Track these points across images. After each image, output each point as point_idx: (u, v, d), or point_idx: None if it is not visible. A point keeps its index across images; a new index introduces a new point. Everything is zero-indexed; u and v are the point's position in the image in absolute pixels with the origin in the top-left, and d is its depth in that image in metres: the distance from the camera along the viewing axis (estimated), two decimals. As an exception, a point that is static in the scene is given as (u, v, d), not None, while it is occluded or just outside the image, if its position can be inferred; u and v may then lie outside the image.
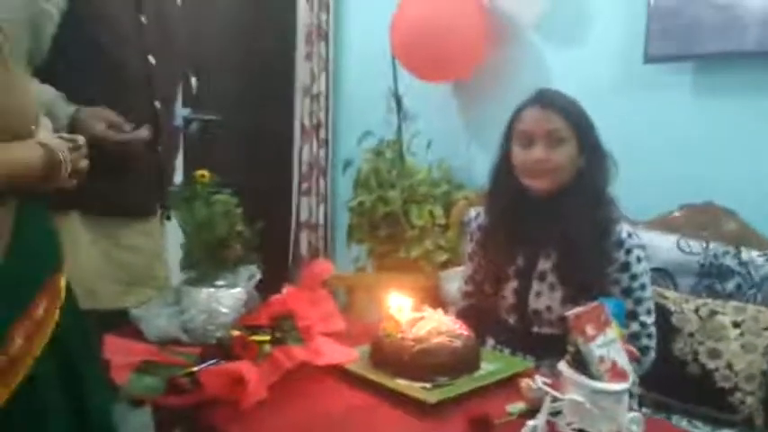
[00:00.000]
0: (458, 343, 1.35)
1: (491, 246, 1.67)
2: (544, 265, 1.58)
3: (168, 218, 1.82)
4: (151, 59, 1.69)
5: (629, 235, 1.55)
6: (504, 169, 1.62)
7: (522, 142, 1.57)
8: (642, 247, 1.56)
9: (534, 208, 1.58)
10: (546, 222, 1.56)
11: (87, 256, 1.65)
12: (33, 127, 1.02)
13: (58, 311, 1.01)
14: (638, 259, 1.54)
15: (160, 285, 1.77)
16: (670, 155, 2.24)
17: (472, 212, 1.86)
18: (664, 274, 2.03)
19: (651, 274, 1.96)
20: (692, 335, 1.86)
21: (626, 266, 1.53)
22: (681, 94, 2.21)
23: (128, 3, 1.67)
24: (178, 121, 1.91)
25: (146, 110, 1.70)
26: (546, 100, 1.57)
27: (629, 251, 1.53)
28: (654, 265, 2.00)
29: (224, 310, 1.43)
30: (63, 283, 1.05)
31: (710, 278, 1.96)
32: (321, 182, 3.34)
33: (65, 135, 1.11)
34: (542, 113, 1.55)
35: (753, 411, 1.76)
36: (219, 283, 1.47)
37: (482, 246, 1.70)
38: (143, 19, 1.68)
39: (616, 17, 2.35)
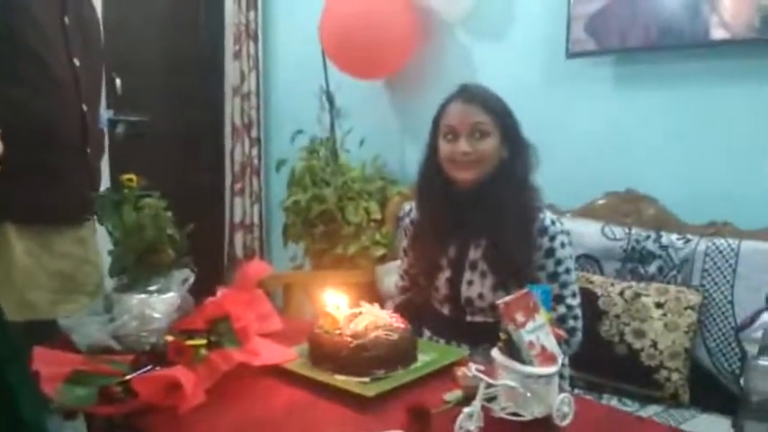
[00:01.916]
0: (394, 336, 1.37)
1: (423, 238, 1.70)
2: (474, 254, 1.63)
3: (101, 222, 1.78)
4: (76, 62, 1.68)
5: (553, 222, 1.61)
6: (431, 163, 1.66)
7: (447, 136, 1.61)
8: (566, 233, 1.63)
9: (462, 199, 1.63)
10: (474, 212, 1.61)
11: (21, 266, 1.61)
12: None
13: None
14: (562, 245, 1.60)
15: (94, 292, 1.73)
16: (593, 145, 2.33)
17: (406, 207, 1.90)
18: (590, 260, 2.11)
19: (578, 260, 2.06)
20: (617, 316, 1.94)
21: (551, 252, 1.59)
22: (602, 87, 2.30)
23: (52, 4, 1.64)
24: (102, 123, 1.88)
25: (73, 112, 1.69)
26: (469, 95, 1.62)
27: (552, 237, 1.59)
28: (580, 251, 2.08)
29: (157, 315, 1.40)
30: None
31: (633, 262, 2.05)
32: (254, 181, 3.31)
33: None
34: (466, 108, 1.60)
35: (678, 387, 1.85)
36: (151, 288, 1.45)
37: (415, 239, 1.73)
38: (66, 20, 1.66)
39: (539, 14, 2.42)
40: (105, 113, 2.66)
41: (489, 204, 1.59)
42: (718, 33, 1.98)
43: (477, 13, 2.53)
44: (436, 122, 1.65)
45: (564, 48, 2.27)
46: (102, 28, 1.94)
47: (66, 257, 1.70)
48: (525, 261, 1.57)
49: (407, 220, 1.80)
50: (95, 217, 1.77)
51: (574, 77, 2.34)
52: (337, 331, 1.37)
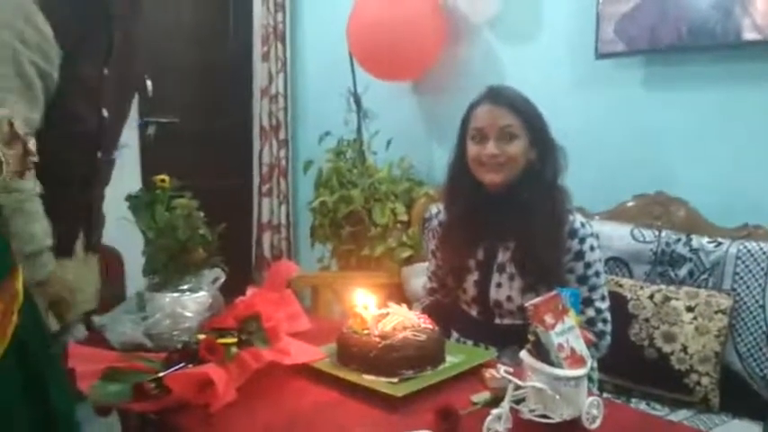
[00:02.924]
0: (422, 337, 1.37)
1: (451, 240, 1.70)
2: (503, 256, 1.63)
3: (95, 252, 1.78)
4: (104, 113, 1.65)
5: (582, 224, 1.60)
6: (460, 165, 1.66)
7: (475, 138, 1.61)
8: (595, 236, 1.62)
9: (490, 201, 1.62)
10: (502, 215, 1.61)
11: None
12: None
13: (16, 314, 1.01)
14: (592, 248, 1.59)
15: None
16: (623, 147, 2.31)
17: (433, 209, 1.90)
18: (619, 263, 2.09)
19: (607, 263, 2.04)
20: (647, 320, 1.92)
21: (580, 255, 1.58)
22: (632, 88, 2.28)
23: (97, 60, 1.62)
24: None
25: (86, 161, 1.66)
26: (497, 97, 1.62)
27: (582, 240, 1.58)
28: (609, 254, 2.07)
29: (188, 314, 1.43)
30: (19, 285, 1.04)
31: (663, 265, 2.02)
32: (282, 182, 3.34)
33: None
34: (494, 110, 1.59)
35: (708, 392, 1.83)
36: (183, 287, 1.47)
37: (443, 241, 1.74)
38: (105, 72, 1.64)
39: (567, 15, 2.41)
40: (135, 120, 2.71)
41: (518, 207, 1.59)
42: (750, 35, 1.95)
43: (504, 14, 2.52)
44: (464, 124, 1.65)
45: (593, 48, 2.26)
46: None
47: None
48: (554, 264, 1.57)
49: (435, 222, 1.80)
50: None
51: (603, 78, 2.33)
52: (366, 331, 1.38)
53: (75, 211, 1.56)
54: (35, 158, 1.41)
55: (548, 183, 1.61)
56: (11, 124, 1.05)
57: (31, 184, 1.43)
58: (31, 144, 1.08)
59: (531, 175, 1.60)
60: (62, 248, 1.56)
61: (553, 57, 2.45)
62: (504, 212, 1.61)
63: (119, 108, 1.74)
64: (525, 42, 2.54)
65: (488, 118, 1.59)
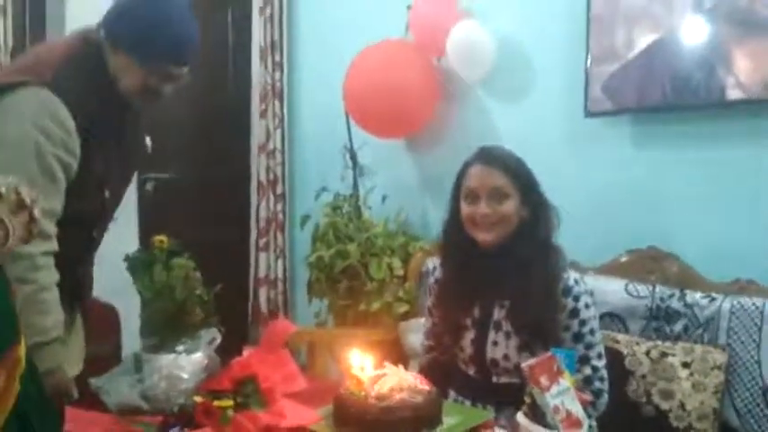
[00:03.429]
0: (419, 398, 1.37)
1: (447, 298, 1.71)
2: (499, 314, 1.64)
3: (85, 319, 1.77)
4: (107, 193, 1.66)
5: (576, 282, 1.62)
6: (454, 223, 1.69)
7: (468, 198, 1.64)
8: (589, 293, 1.63)
9: (485, 259, 1.64)
10: (497, 273, 1.62)
11: None
12: None
13: (17, 381, 1.01)
14: (587, 305, 1.60)
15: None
16: (615, 203, 2.34)
17: (429, 264, 1.92)
18: (615, 319, 2.10)
19: (603, 319, 2.05)
20: (644, 377, 1.92)
21: (575, 312, 1.59)
22: (621, 146, 2.33)
23: (109, 145, 1.62)
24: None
25: (83, 240, 1.66)
26: (488, 157, 1.65)
27: (576, 297, 1.59)
28: (605, 309, 2.08)
29: (185, 375, 1.43)
30: (22, 351, 1.05)
31: (659, 321, 2.03)
32: (279, 237, 3.36)
33: (6, 190, 1.07)
34: (486, 171, 1.63)
35: (706, 449, 1.82)
36: (180, 348, 1.48)
37: (439, 299, 1.75)
38: (112, 155, 1.64)
39: (557, 74, 2.48)
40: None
41: (512, 265, 1.61)
42: (733, 93, 2.01)
43: (496, 73, 2.59)
44: (457, 184, 1.68)
45: (582, 107, 2.32)
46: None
47: None
48: (549, 322, 1.58)
49: (432, 279, 1.82)
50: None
51: (593, 136, 2.38)
52: (362, 393, 1.38)
53: (64, 285, 1.55)
54: (53, 245, 1.44)
55: (541, 240, 1.63)
56: (17, 192, 1.07)
57: (46, 274, 1.44)
58: (37, 212, 1.10)
59: (524, 234, 1.62)
60: None
61: (544, 115, 2.51)
62: (499, 270, 1.63)
63: (120, 187, 1.76)
64: (517, 101, 2.60)
65: (480, 178, 1.63)
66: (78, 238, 1.63)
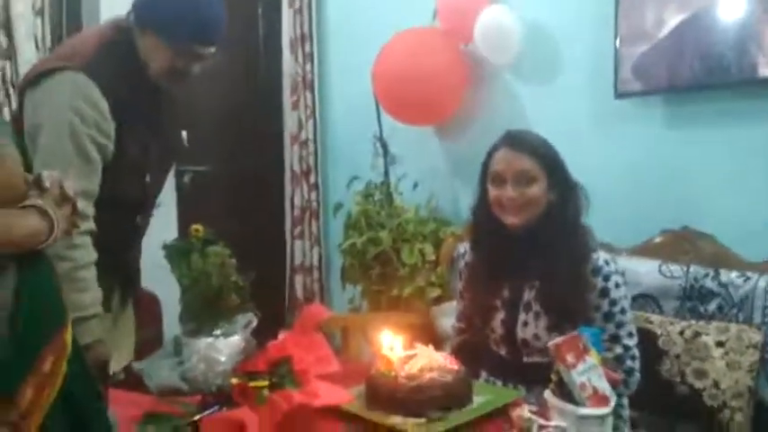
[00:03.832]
0: (449, 378, 1.40)
1: (478, 280, 1.74)
2: (529, 295, 1.65)
3: (135, 302, 1.85)
4: (147, 179, 1.73)
5: (606, 262, 1.62)
6: (482, 207, 1.71)
7: (495, 182, 1.66)
8: (620, 273, 1.64)
9: (513, 242, 1.66)
10: (526, 254, 1.64)
11: None
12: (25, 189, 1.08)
13: (65, 364, 1.07)
14: (617, 285, 1.61)
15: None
16: (647, 184, 2.33)
17: (460, 248, 1.93)
18: (648, 299, 2.09)
19: (636, 300, 2.05)
20: (678, 356, 1.91)
21: (605, 292, 1.60)
22: (652, 126, 2.31)
23: (145, 128, 1.68)
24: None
25: (127, 226, 1.73)
26: (515, 141, 1.66)
27: (606, 277, 1.60)
28: (638, 290, 2.07)
29: (222, 358, 1.48)
30: (69, 336, 1.11)
31: (693, 300, 2.02)
32: (314, 225, 3.41)
33: (50, 184, 1.12)
34: (512, 154, 1.64)
35: (742, 428, 1.80)
36: (217, 332, 1.53)
37: (469, 281, 1.77)
38: (151, 147, 1.71)
39: (586, 56, 2.46)
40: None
41: (540, 247, 1.62)
42: (765, 71, 1.98)
43: (524, 57, 2.58)
44: (484, 168, 1.70)
45: (612, 88, 2.30)
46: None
47: None
48: (578, 302, 1.59)
49: (462, 263, 1.84)
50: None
51: (623, 117, 2.36)
52: (393, 373, 1.41)
53: (112, 270, 1.63)
54: (90, 225, 1.50)
55: (569, 222, 1.64)
56: (61, 186, 1.13)
57: (83, 253, 1.51)
58: (80, 204, 1.15)
59: (552, 216, 1.63)
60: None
61: (573, 97, 2.50)
62: (528, 252, 1.64)
63: (161, 173, 1.82)
64: (546, 84, 2.59)
65: (506, 162, 1.64)
66: (123, 223, 1.71)
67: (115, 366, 1.66)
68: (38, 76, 1.57)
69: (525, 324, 1.65)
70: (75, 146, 1.51)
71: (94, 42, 1.63)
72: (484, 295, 1.72)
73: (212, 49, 1.68)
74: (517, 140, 1.66)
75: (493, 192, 1.66)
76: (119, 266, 1.72)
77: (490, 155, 1.69)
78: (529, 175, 1.62)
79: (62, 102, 1.52)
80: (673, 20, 2.15)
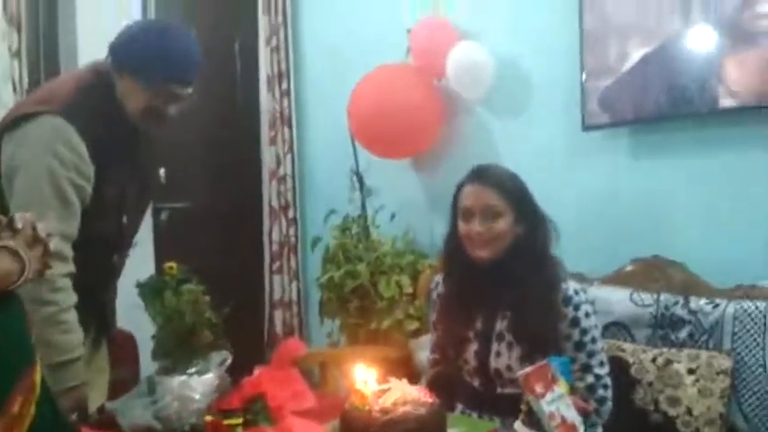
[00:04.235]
0: (422, 411, 1.40)
1: (450, 312, 1.76)
2: (501, 325, 1.68)
3: (109, 341, 1.86)
4: (124, 220, 1.76)
5: (576, 292, 1.65)
6: (453, 240, 1.74)
7: (464, 217, 1.69)
8: (590, 302, 1.67)
9: (484, 274, 1.69)
10: (497, 286, 1.67)
11: None
12: None
13: (33, 405, 1.07)
14: (587, 314, 1.64)
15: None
16: (618, 214, 2.37)
17: (435, 279, 1.96)
18: (620, 328, 2.11)
19: (609, 328, 2.08)
20: (651, 384, 1.93)
21: (575, 322, 1.63)
22: (619, 157, 2.36)
23: (123, 170, 1.70)
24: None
25: (102, 266, 1.75)
26: (481, 177, 1.70)
27: (577, 307, 1.63)
28: (610, 319, 2.10)
29: (196, 396, 1.48)
30: (38, 376, 1.10)
31: (664, 328, 2.05)
32: (292, 260, 3.42)
33: (23, 225, 1.12)
34: (479, 190, 1.68)
35: (716, 455, 1.82)
36: (191, 370, 1.53)
37: (442, 313, 1.79)
38: (128, 190, 1.74)
39: (555, 90, 2.52)
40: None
41: (510, 279, 1.65)
42: (725, 102, 2.05)
43: (495, 92, 2.64)
44: (454, 203, 1.73)
45: (580, 121, 2.36)
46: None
47: None
48: (550, 332, 1.62)
49: (435, 294, 1.86)
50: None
51: (592, 149, 2.42)
52: (366, 407, 1.41)
53: (88, 310, 1.63)
54: (70, 267, 1.50)
55: (537, 254, 1.67)
56: (33, 227, 1.13)
57: (65, 296, 1.53)
58: (52, 245, 1.16)
59: (520, 249, 1.67)
60: None
61: (544, 130, 2.55)
62: (498, 284, 1.67)
63: (138, 213, 1.85)
64: (516, 117, 2.65)
65: (474, 197, 1.67)
66: (100, 263, 1.72)
67: (89, 407, 1.65)
68: (16, 120, 1.59)
69: (498, 354, 1.67)
70: (55, 189, 1.53)
71: (72, 86, 1.65)
72: (456, 326, 1.74)
73: (189, 90, 1.71)
74: (484, 175, 1.70)
75: (462, 226, 1.69)
76: (94, 306, 1.73)
77: (459, 189, 1.72)
78: (495, 210, 1.65)
79: (41, 146, 1.54)
80: (636, 53, 2.23)
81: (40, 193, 1.51)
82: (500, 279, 1.66)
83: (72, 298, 1.55)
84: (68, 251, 1.54)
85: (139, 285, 1.63)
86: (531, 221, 1.68)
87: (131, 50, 1.64)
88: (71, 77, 1.74)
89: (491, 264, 1.67)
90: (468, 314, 1.72)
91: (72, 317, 1.54)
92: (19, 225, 1.11)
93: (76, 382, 1.53)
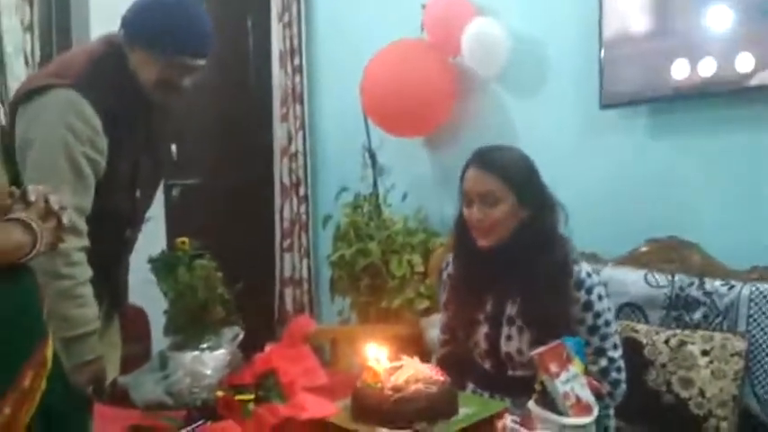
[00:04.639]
0: (434, 389, 1.40)
1: (460, 293, 1.74)
2: (511, 309, 1.65)
3: (121, 316, 1.87)
4: (138, 193, 1.74)
5: (588, 274, 1.61)
6: (461, 223, 1.69)
7: (465, 201, 1.64)
8: (603, 284, 1.64)
9: (491, 258, 1.64)
10: (505, 270, 1.64)
11: None
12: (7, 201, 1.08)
13: (44, 380, 1.07)
14: (600, 297, 1.61)
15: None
16: (633, 193, 2.35)
17: (449, 258, 1.93)
18: (634, 308, 2.10)
19: (622, 309, 2.06)
20: (664, 365, 1.92)
21: (588, 305, 1.60)
22: (637, 136, 2.33)
23: (137, 144, 1.70)
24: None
25: (116, 239, 1.74)
26: (482, 161, 1.63)
27: (589, 290, 1.60)
28: (624, 299, 2.09)
29: (208, 372, 1.47)
30: (49, 351, 1.10)
31: (678, 309, 2.03)
32: (303, 237, 3.42)
33: (36, 198, 1.12)
34: (478, 175, 1.61)
35: (728, 437, 1.81)
36: (203, 345, 1.52)
37: (452, 294, 1.77)
38: (141, 160, 1.72)
39: (572, 66, 2.49)
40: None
41: (518, 264, 1.61)
42: (749, 79, 2.00)
43: (511, 68, 2.60)
44: (460, 185, 1.68)
45: (597, 99, 2.32)
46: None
47: None
48: (560, 317, 1.58)
49: (445, 275, 1.84)
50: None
51: (609, 127, 2.39)
52: (378, 384, 1.41)
53: (100, 284, 1.63)
54: (85, 241, 1.50)
55: (544, 238, 1.62)
56: (46, 200, 1.13)
57: (82, 270, 1.52)
58: (65, 218, 1.16)
59: (525, 234, 1.61)
60: None
61: (560, 107, 2.52)
62: (506, 268, 1.64)
63: (150, 188, 1.83)
64: (532, 94, 2.62)
65: (473, 182, 1.62)
66: (113, 238, 1.72)
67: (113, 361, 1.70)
68: (30, 93, 1.58)
69: (509, 338, 1.64)
70: (69, 162, 1.52)
71: (85, 58, 1.64)
72: (466, 309, 1.71)
73: (201, 62, 1.69)
74: (485, 160, 1.63)
75: (465, 210, 1.65)
76: (107, 280, 1.73)
77: (463, 173, 1.66)
78: (495, 196, 1.59)
79: (55, 118, 1.53)
80: (656, 29, 2.18)
81: (54, 166, 1.51)
82: (507, 264, 1.62)
83: (87, 272, 1.55)
84: (83, 225, 1.54)
85: (152, 261, 1.62)
86: (536, 205, 1.62)
87: (143, 22, 1.63)
88: (83, 50, 1.72)
89: (496, 249, 1.62)
90: (477, 297, 1.69)
91: (87, 291, 1.54)
92: (32, 198, 1.10)
93: (93, 355, 1.53)
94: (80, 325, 1.51)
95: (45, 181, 1.26)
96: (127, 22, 1.65)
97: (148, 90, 1.65)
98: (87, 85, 1.56)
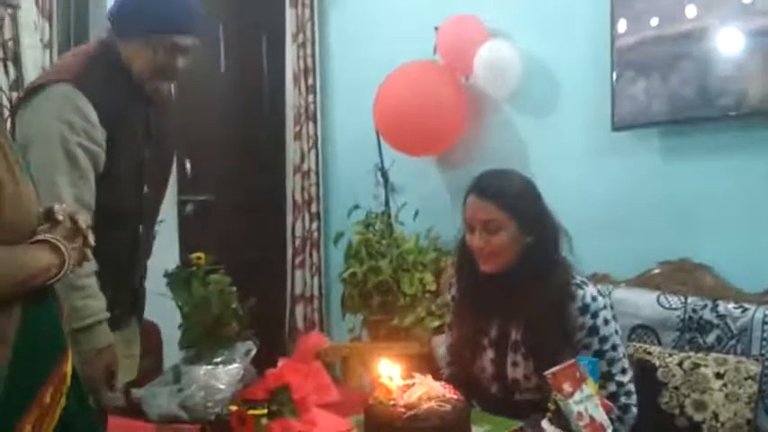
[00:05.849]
0: (447, 407, 1.39)
1: (463, 317, 1.72)
2: (516, 335, 1.63)
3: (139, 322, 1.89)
4: (145, 189, 1.77)
5: (594, 298, 1.59)
6: (463, 247, 1.68)
7: (467, 227, 1.64)
8: (609, 307, 1.62)
9: (493, 284, 1.64)
10: (507, 296, 1.62)
11: None
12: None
13: (64, 396, 1.07)
14: (606, 321, 1.59)
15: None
16: (645, 215, 2.34)
17: (451, 281, 1.92)
18: (647, 330, 2.10)
19: (635, 331, 2.06)
20: (677, 388, 1.91)
21: (594, 330, 1.58)
22: (650, 158, 2.34)
23: (138, 139, 1.74)
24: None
25: (130, 237, 1.77)
26: (482, 189, 1.62)
27: (595, 315, 1.57)
28: (637, 321, 2.08)
29: (221, 386, 1.48)
30: (68, 368, 1.11)
31: (691, 332, 2.03)
32: (314, 254, 3.43)
33: (62, 217, 1.12)
34: (479, 203, 1.60)
35: (742, 461, 1.80)
36: (217, 359, 1.53)
37: (456, 316, 1.76)
38: (146, 154, 1.77)
39: (584, 88, 2.50)
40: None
41: (519, 291, 1.60)
42: (762, 104, 2.01)
43: (523, 90, 2.62)
44: (462, 211, 1.67)
45: (610, 121, 2.33)
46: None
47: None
48: (563, 344, 1.56)
49: (449, 296, 1.83)
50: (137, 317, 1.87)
51: (621, 149, 2.39)
52: (391, 402, 1.41)
53: (119, 284, 1.65)
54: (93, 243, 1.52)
55: (547, 264, 1.61)
56: (74, 219, 1.13)
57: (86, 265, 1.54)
58: (91, 238, 1.16)
59: (527, 260, 1.60)
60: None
61: (571, 129, 2.53)
62: (509, 294, 1.62)
63: (158, 184, 1.87)
64: (544, 116, 2.63)
65: (473, 211, 1.61)
66: (125, 235, 1.74)
67: (121, 381, 1.67)
68: (28, 93, 1.63)
69: (515, 365, 1.63)
70: (65, 153, 1.56)
71: (81, 57, 1.70)
72: (470, 332, 1.69)
73: (191, 40, 1.72)
74: (484, 187, 1.62)
75: (468, 236, 1.64)
76: (123, 280, 1.76)
77: (465, 199, 1.65)
78: (495, 224, 1.58)
79: (51, 114, 1.57)
80: (668, 54, 2.19)
81: (50, 158, 1.54)
82: (510, 289, 1.61)
83: (91, 265, 1.54)
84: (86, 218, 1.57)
85: (168, 275, 1.64)
86: (538, 231, 1.61)
87: (128, 12, 1.68)
88: (79, 51, 1.79)
89: (499, 274, 1.61)
90: (481, 321, 1.67)
91: (92, 282, 1.57)
92: (59, 217, 1.11)
93: (105, 343, 1.56)
94: (88, 315, 1.54)
95: (43, 174, 1.28)
96: (111, 15, 1.71)
97: (144, 80, 1.70)
98: (83, 79, 1.61)
